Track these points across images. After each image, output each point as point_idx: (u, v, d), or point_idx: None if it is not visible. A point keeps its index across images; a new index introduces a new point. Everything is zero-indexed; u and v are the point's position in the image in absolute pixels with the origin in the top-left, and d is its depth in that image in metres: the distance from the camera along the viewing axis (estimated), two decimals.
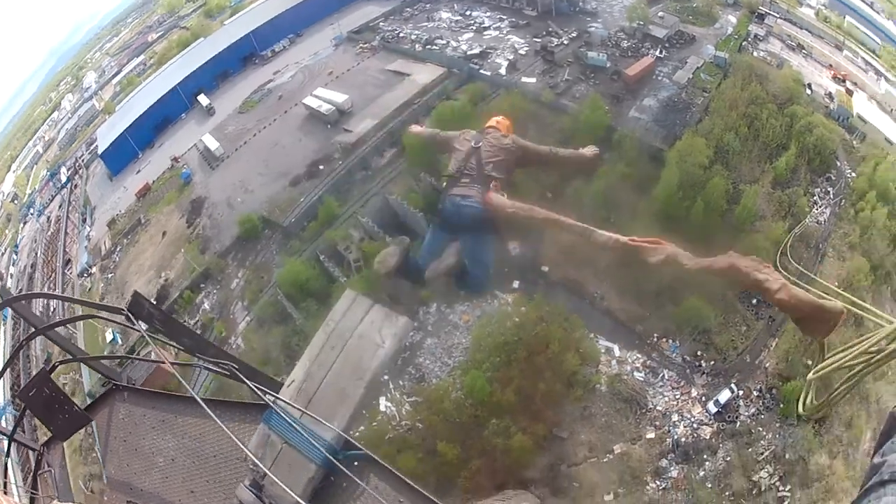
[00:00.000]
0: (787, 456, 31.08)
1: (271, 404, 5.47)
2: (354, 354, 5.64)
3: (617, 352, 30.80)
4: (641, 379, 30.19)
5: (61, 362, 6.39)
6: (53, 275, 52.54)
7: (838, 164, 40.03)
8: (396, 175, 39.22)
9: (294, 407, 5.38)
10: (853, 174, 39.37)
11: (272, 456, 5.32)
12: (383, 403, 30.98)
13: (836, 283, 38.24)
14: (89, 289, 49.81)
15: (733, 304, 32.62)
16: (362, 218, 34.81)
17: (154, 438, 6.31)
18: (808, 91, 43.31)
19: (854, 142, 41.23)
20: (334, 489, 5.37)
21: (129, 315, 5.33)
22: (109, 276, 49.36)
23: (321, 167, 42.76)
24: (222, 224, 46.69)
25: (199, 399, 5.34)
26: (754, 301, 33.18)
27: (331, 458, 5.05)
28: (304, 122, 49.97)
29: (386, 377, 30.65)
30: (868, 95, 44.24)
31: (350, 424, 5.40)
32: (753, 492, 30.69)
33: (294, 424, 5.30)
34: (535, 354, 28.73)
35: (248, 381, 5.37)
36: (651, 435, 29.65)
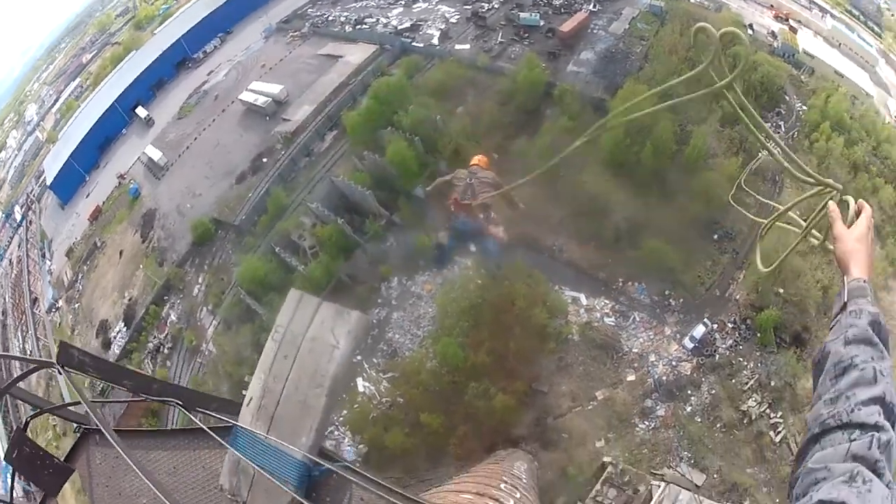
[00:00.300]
0: (772, 383, 31.07)
1: (228, 434, 5.08)
2: (309, 361, 5.12)
3: (584, 300, 30.18)
4: (613, 324, 29.68)
5: (31, 417, 5.58)
6: (24, 317, 50.59)
7: (787, 98, 39.99)
8: (339, 157, 37.89)
9: (255, 433, 4.96)
10: (804, 107, 39.29)
11: (247, 483, 4.90)
12: (361, 384, 29.93)
13: (799, 213, 38.45)
14: (59, 323, 48.26)
15: (694, 241, 32.24)
16: (311, 204, 33.38)
17: (133, 479, 5.81)
18: (750, 31, 42.84)
19: (802, 77, 41.26)
20: None
21: (59, 368, 4.90)
22: (76, 306, 47.84)
23: (265, 160, 41.20)
24: (176, 233, 45.56)
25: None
26: (715, 236, 32.96)
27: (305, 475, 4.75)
28: (242, 118, 48.06)
29: (359, 357, 29.54)
30: (814, 32, 44.29)
31: (318, 438, 4.92)
32: (744, 421, 30.68)
33: (258, 448, 4.91)
34: (502, 314, 27.83)
35: (194, 416, 5.15)
36: (631, 377, 29.27)
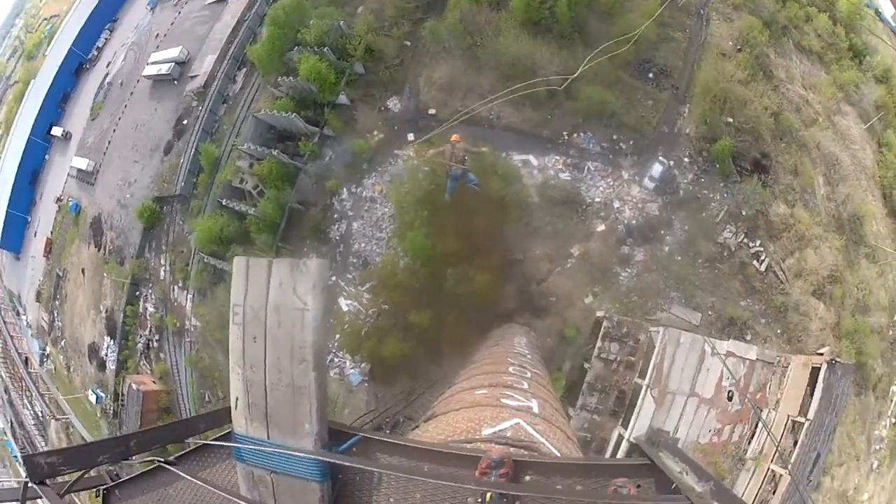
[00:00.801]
0: (743, 213, 30.33)
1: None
2: (282, 336, 4.10)
3: (534, 161, 28.36)
4: (569, 178, 28.04)
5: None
6: (23, 382, 49.08)
7: None
8: (256, 92, 34.93)
9: (255, 440, 4.21)
10: None
11: (269, 493, 4.18)
12: (344, 304, 28.34)
13: (731, 43, 36.75)
14: (55, 369, 47.40)
15: (630, 83, 30.21)
16: (242, 146, 30.56)
17: None
18: None
19: None
20: (350, 490, 4.28)
21: (37, 485, 4.24)
22: (62, 343, 46.80)
23: (185, 122, 38.15)
24: (125, 227, 44.08)
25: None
26: (651, 75, 30.90)
27: (326, 463, 4.00)
28: (153, 93, 44.54)
29: (333, 279, 27.66)
30: None
31: (322, 419, 4.06)
32: (724, 254, 29.90)
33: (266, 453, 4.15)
34: (458, 194, 25.74)
35: (184, 474, 4.55)
36: (601, 227, 27.94)
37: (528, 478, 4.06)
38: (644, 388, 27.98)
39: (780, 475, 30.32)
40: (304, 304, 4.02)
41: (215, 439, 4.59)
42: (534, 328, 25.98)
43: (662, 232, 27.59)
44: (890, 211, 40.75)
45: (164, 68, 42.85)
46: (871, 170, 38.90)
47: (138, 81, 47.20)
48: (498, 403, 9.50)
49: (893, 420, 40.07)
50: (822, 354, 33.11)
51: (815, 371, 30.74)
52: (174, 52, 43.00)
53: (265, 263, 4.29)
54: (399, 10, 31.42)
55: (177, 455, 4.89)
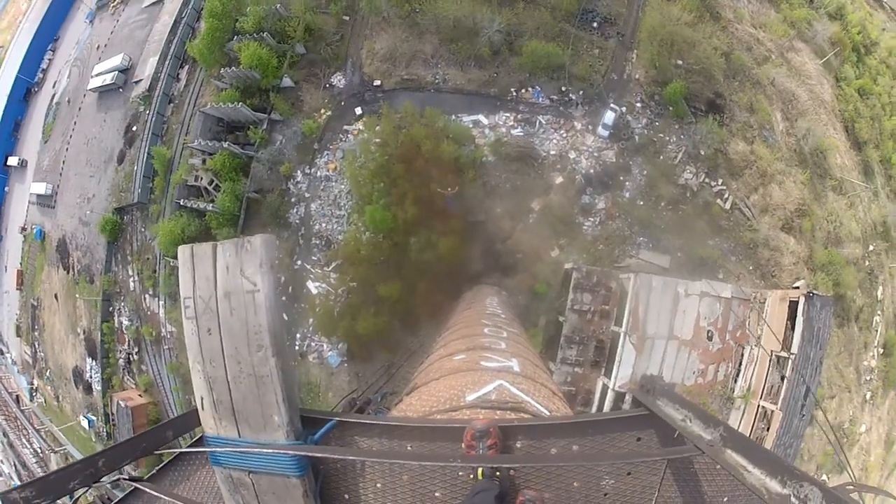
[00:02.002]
0: (701, 153, 30.38)
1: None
2: (235, 324, 3.86)
3: (484, 120, 28.31)
4: (521, 134, 28.02)
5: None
6: (17, 421, 48.66)
7: None
8: (200, 87, 34.52)
9: (226, 440, 3.99)
10: None
11: (251, 495, 4.00)
12: (312, 286, 28.26)
13: None
14: (45, 401, 47.37)
15: (575, 34, 30.23)
16: (192, 144, 30.19)
17: None
18: None
19: None
20: (335, 479, 4.07)
21: None
22: (48, 374, 46.69)
23: (134, 128, 37.41)
24: (90, 244, 43.78)
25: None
26: (595, 24, 30.85)
27: (303, 455, 3.79)
28: (100, 105, 44.01)
29: (299, 263, 27.50)
30: None
31: (292, 407, 3.83)
32: (687, 195, 29.99)
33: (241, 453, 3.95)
34: (412, 162, 25.80)
35: (161, 494, 4.21)
36: (560, 179, 27.97)
37: (518, 444, 3.85)
38: (622, 335, 28.12)
39: (772, 411, 30.75)
40: (254, 284, 3.78)
41: (190, 446, 4.32)
42: (504, 287, 25.97)
43: (621, 178, 27.66)
44: (853, 143, 41.28)
45: (107, 78, 42.32)
46: (830, 104, 39.28)
47: (85, 96, 46.53)
48: (478, 367, 9.33)
49: (881, 350, 40.71)
50: (798, 288, 33.59)
51: (793, 305, 31.10)
52: (116, 61, 42.47)
53: (209, 248, 4.01)
54: None
55: (156, 469, 4.62)
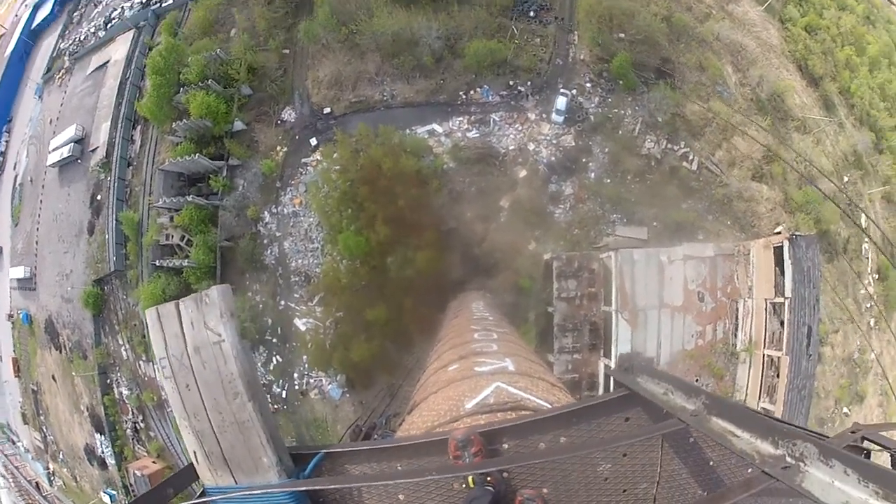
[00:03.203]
0: (659, 119, 30.44)
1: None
2: (210, 375, 4.10)
3: (439, 128, 28.46)
4: (477, 135, 28.18)
5: None
6: None
7: None
8: (156, 145, 34.72)
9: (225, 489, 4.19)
10: None
11: None
12: (300, 324, 28.29)
13: None
14: (64, 484, 47.11)
15: (513, 27, 30.31)
16: (157, 203, 30.09)
17: None
18: None
19: None
20: None
21: None
22: (61, 457, 46.47)
23: (99, 197, 37.45)
24: (77, 320, 43.81)
25: None
26: (532, 13, 31.03)
27: (297, 490, 3.96)
28: (62, 179, 44.00)
29: (283, 303, 27.58)
30: None
31: (277, 445, 4.01)
32: (652, 164, 30.12)
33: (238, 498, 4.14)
34: (375, 183, 25.87)
35: None
36: (523, 173, 28.12)
37: (505, 445, 3.88)
38: (613, 313, 28.25)
39: (779, 358, 30.89)
40: (219, 335, 4.00)
41: (195, 500, 4.35)
42: (488, 289, 26.05)
43: (584, 160, 27.82)
44: (810, 81, 41.58)
45: (64, 151, 42.22)
46: (779, 47, 39.60)
47: (46, 173, 46.36)
48: (473, 374, 9.27)
49: (876, 276, 41.04)
50: (779, 233, 33.85)
51: (778, 250, 31.31)
52: (70, 133, 42.36)
53: (172, 307, 4.25)
54: (270, 21, 31.27)
55: None
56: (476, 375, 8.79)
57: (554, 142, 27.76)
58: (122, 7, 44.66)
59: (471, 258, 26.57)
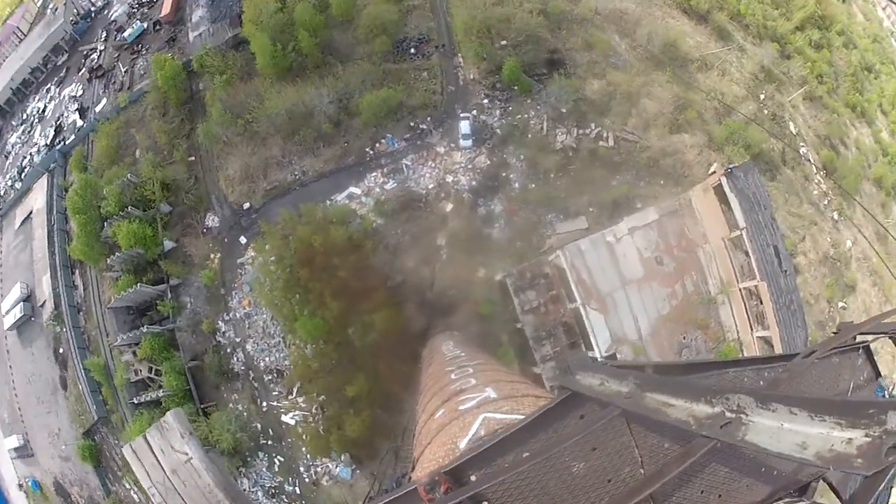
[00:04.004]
0: (563, 110, 30.44)
1: None
2: (192, 492, 4.50)
3: (356, 190, 28.37)
4: (395, 185, 28.13)
5: None
6: None
7: None
8: (97, 285, 34.59)
9: None
10: None
11: None
12: (288, 419, 27.92)
13: None
14: None
15: (399, 69, 30.43)
16: (116, 343, 29.72)
17: None
18: None
19: None
20: None
21: None
22: None
23: (61, 350, 37.52)
24: (81, 477, 42.57)
25: None
26: (412, 50, 31.10)
27: None
28: (22, 340, 43.23)
29: (265, 405, 27.22)
30: None
31: None
32: (570, 154, 30.02)
33: None
34: (312, 261, 25.64)
35: None
36: (450, 206, 28.10)
37: (473, 477, 3.93)
38: (581, 307, 28.19)
39: (756, 286, 30.94)
40: (186, 454, 4.49)
41: None
42: (453, 328, 25.85)
43: (504, 174, 27.80)
44: (698, 19, 41.97)
45: (17, 312, 41.36)
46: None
47: (6, 337, 45.39)
48: (459, 413, 9.24)
49: (823, 173, 41.50)
50: (714, 173, 34.09)
51: (718, 189, 31.52)
52: (17, 292, 41.52)
53: (142, 441, 4.69)
54: (168, 133, 31.08)
55: None
56: (462, 414, 8.74)
57: (469, 167, 27.72)
58: (31, 154, 44.07)
59: (426, 304, 26.38)
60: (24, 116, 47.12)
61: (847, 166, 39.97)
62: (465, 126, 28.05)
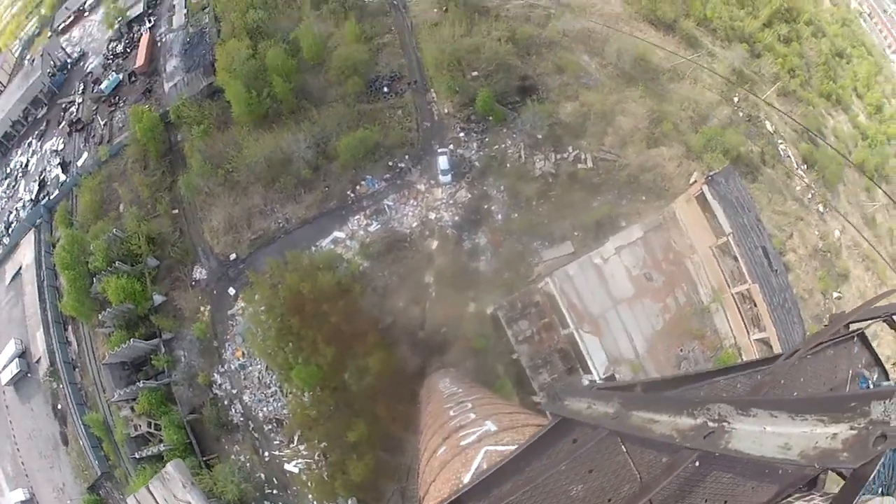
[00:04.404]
0: (539, 136, 30.41)
1: None
2: None
3: (340, 234, 28.31)
4: (379, 226, 28.03)
5: None
6: None
7: None
8: (91, 341, 34.09)
9: None
10: None
11: None
12: (292, 467, 27.66)
13: (435, 10, 36.83)
14: None
15: (373, 109, 30.33)
16: (113, 399, 30.37)
17: None
18: None
19: None
20: None
21: None
22: None
23: (59, 406, 37.29)
24: None
25: None
26: (385, 88, 31.02)
27: None
28: (21, 396, 42.34)
29: (267, 455, 26.96)
30: None
31: None
32: (550, 180, 29.91)
33: None
34: (303, 308, 25.48)
35: None
36: (435, 243, 28.01)
37: None
38: (574, 332, 28.05)
39: (748, 289, 30.78)
40: (189, 503, 4.42)
41: None
42: (448, 364, 25.75)
43: (486, 206, 27.69)
44: (665, 30, 41.96)
45: (13, 368, 40.89)
46: (624, 13, 39.70)
47: (4, 393, 44.93)
48: (460, 449, 9.26)
49: (804, 167, 41.52)
50: (695, 182, 34.04)
51: (700, 198, 31.48)
52: (11, 348, 41.05)
53: (146, 491, 5.01)
54: (150, 186, 30.86)
55: None
56: (464, 449, 8.76)
57: (451, 202, 27.62)
58: (16, 208, 43.70)
59: (419, 343, 26.23)
60: (8, 171, 46.75)
61: (827, 157, 39.81)
62: (443, 161, 27.96)
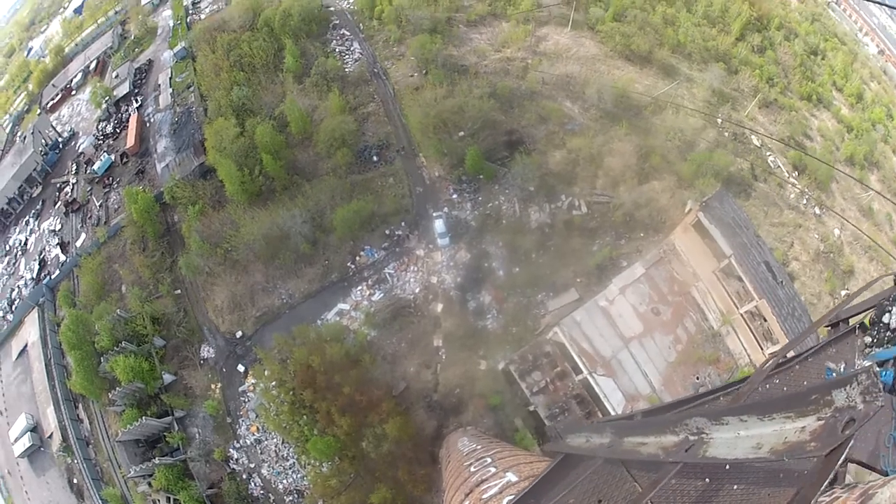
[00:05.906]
0: (531, 188, 30.03)
1: None
2: None
3: (345, 306, 27.84)
4: (382, 295, 27.58)
5: None
6: None
7: None
8: (103, 419, 33.22)
9: None
10: None
11: None
12: None
13: (415, 75, 36.52)
14: None
15: (364, 178, 30.03)
16: (129, 475, 29.91)
17: None
18: None
19: None
20: None
21: None
22: None
23: (75, 481, 36.02)
24: None
25: None
26: (375, 158, 30.74)
27: None
28: (35, 469, 41.66)
29: None
30: None
31: None
32: (546, 230, 29.74)
33: None
34: (315, 381, 24.83)
35: None
36: (440, 307, 27.47)
37: None
38: (588, 376, 27.47)
39: (756, 306, 30.10)
40: None
41: None
42: (465, 423, 25.18)
43: (486, 264, 27.27)
44: (642, 62, 41.54)
45: (25, 441, 40.10)
46: (600, 53, 39.29)
47: (18, 464, 43.89)
48: (482, 503, 9.19)
49: (795, 174, 40.88)
50: (690, 210, 33.60)
51: (697, 225, 31.06)
52: (23, 423, 40.20)
53: None
54: (151, 267, 30.23)
55: None
56: (486, 502, 8.81)
57: (451, 264, 27.21)
58: (18, 286, 42.95)
59: (434, 406, 25.69)
60: (7, 248, 46.05)
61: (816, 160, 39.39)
62: (439, 225, 27.56)
